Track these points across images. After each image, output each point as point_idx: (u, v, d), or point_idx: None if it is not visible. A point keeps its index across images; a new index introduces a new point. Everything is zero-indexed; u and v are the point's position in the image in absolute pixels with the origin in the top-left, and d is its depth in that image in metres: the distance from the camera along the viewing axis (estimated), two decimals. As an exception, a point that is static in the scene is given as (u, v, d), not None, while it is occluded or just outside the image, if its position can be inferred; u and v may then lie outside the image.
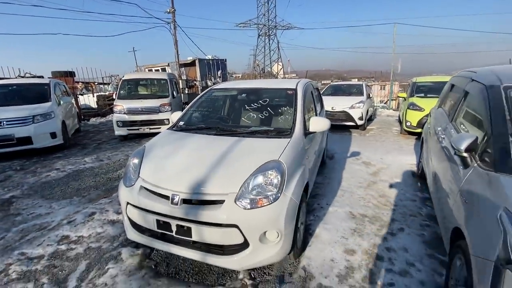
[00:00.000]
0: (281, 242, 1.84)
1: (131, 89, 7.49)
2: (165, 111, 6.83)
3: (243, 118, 2.77)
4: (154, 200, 1.95)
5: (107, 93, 12.38)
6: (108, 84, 14.60)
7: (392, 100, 19.45)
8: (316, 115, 3.47)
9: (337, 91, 8.77)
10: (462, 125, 2.42)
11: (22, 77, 9.14)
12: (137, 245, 2.42)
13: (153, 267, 2.18)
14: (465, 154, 1.80)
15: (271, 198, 1.83)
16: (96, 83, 13.54)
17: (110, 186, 3.91)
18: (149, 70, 16.51)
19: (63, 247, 2.43)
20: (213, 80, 16.07)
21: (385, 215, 2.89)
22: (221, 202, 1.82)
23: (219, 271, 2.11)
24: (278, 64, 35.11)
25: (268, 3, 36.06)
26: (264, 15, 36.84)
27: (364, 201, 3.24)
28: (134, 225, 2.15)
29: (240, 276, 2.04)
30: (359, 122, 7.33)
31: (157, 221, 1.95)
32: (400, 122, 8.37)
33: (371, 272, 2.04)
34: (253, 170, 1.91)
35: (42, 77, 9.23)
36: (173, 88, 7.75)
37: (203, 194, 1.85)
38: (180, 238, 1.92)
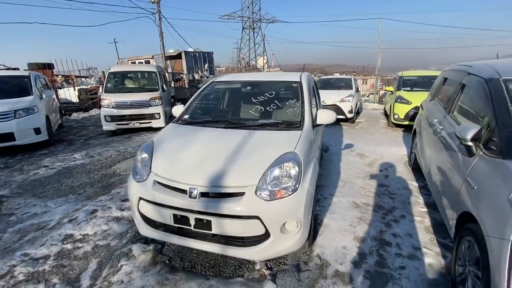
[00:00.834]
0: (300, 231, 1.88)
1: (118, 82, 7.20)
2: (156, 105, 6.65)
3: (250, 111, 2.76)
4: (170, 194, 1.92)
5: (89, 87, 11.80)
6: (91, 77, 13.91)
7: (372, 94, 20.05)
8: (316, 107, 3.53)
9: (326, 85, 8.91)
10: (461, 116, 2.55)
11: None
12: (146, 241, 2.38)
13: (167, 262, 2.16)
14: (470, 143, 1.91)
15: (290, 189, 1.86)
16: (77, 76, 12.85)
17: (106, 182, 3.79)
18: (132, 63, 15.87)
19: (68, 246, 2.35)
20: (200, 73, 15.75)
21: (386, 204, 3.02)
22: (241, 194, 1.83)
23: (235, 263, 2.13)
24: (263, 57, 34.96)
25: (252, -5, 35.66)
26: (248, 7, 36.43)
27: (364, 190, 3.36)
28: (147, 220, 2.11)
29: (257, 267, 2.07)
30: (349, 115, 7.52)
31: (174, 215, 1.92)
32: (386, 115, 8.67)
33: (382, 257, 2.14)
34: (271, 162, 1.92)
35: (18, 69, 8.65)
36: (162, 81, 7.54)
37: (222, 187, 1.85)
38: (199, 231, 1.91)
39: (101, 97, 6.58)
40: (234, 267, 2.09)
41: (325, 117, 2.66)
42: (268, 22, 37.72)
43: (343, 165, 4.25)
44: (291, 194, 1.84)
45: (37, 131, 5.27)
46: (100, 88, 9.50)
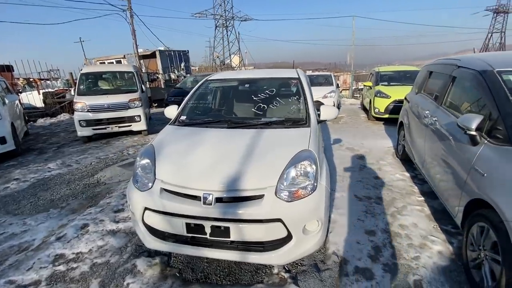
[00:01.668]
0: (321, 231, 1.83)
1: (92, 83, 6.68)
2: (135, 107, 6.26)
3: (252, 110, 2.66)
4: (182, 202, 1.77)
5: (55, 90, 10.84)
6: (56, 79, 12.79)
7: (346, 90, 20.76)
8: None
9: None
10: (455, 107, 2.66)
11: None
12: (150, 254, 2.20)
13: (178, 274, 2.01)
14: (474, 133, 1.98)
15: (309, 188, 1.80)
16: (41, 79, 11.74)
17: (91, 193, 3.48)
18: (101, 63, 14.88)
19: (61, 267, 2.09)
20: (176, 72, 15.19)
21: (386, 195, 3.09)
22: (260, 197, 1.74)
23: (251, 269, 2.04)
24: (238, 56, 34.68)
25: (223, -7, 35.13)
26: (220, 5, 35.85)
27: (362, 184, 3.41)
28: (154, 232, 1.94)
29: (275, 271, 1.99)
30: (332, 111, 7.67)
31: (187, 224, 1.78)
32: (365, 109, 9.00)
33: (396, 248, 2.17)
34: (288, 161, 1.85)
35: (-30, 72, 7.70)
36: (140, 81, 7.14)
37: (240, 190, 1.74)
38: (215, 239, 1.79)
39: (74, 101, 6.06)
40: (251, 273, 2.00)
41: (328, 113, 2.64)
42: (241, 20, 37.49)
43: (336, 160, 4.31)
44: (311, 194, 1.78)
45: (2, 140, 4.71)
46: (72, 91, 8.76)
